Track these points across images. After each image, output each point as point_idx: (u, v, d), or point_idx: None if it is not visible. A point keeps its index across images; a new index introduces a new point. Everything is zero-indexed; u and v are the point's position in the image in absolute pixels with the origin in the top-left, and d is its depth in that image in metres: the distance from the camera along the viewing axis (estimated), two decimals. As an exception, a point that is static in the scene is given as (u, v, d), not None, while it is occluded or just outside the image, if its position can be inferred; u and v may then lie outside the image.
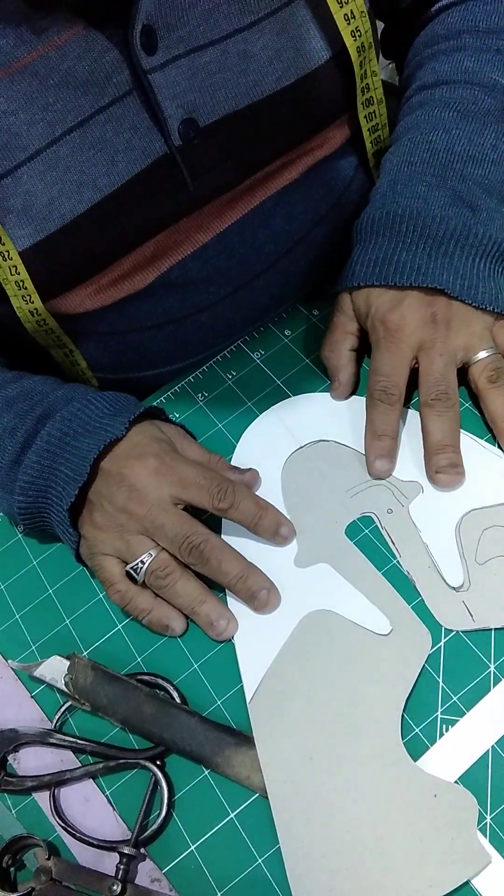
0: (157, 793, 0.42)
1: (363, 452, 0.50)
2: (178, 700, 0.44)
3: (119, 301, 0.53)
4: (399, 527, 0.47)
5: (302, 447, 0.51)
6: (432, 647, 0.43)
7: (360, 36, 0.50)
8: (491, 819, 0.38)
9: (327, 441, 0.51)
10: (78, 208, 0.46)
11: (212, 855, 0.41)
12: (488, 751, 0.40)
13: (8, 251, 0.46)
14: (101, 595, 0.49)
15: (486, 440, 0.48)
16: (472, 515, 0.46)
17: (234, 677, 0.44)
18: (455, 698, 0.41)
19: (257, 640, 0.45)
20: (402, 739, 0.41)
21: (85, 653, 0.47)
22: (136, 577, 0.46)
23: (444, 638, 0.43)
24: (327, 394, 0.53)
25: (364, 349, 0.53)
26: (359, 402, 0.52)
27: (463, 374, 0.49)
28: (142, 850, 0.41)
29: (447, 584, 0.44)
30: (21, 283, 0.48)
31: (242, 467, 0.50)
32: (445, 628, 0.43)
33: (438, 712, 0.41)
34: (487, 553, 0.45)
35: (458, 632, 0.43)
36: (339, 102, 0.53)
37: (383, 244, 0.49)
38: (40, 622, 0.49)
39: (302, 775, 0.40)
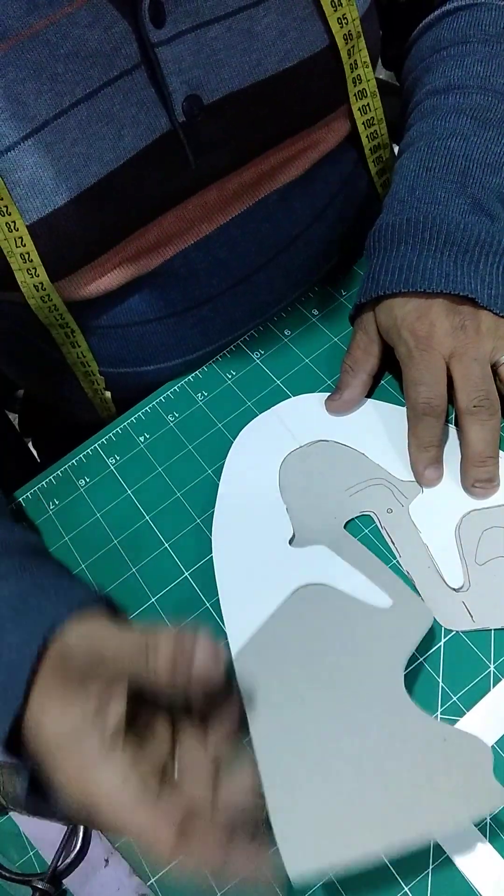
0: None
1: (363, 452, 0.50)
2: None
3: (123, 287, 0.53)
4: (399, 527, 0.47)
5: (301, 447, 0.51)
6: (432, 647, 0.43)
7: (346, 24, 0.49)
8: (491, 819, 0.38)
9: (327, 441, 0.51)
10: (84, 182, 0.46)
11: (211, 855, 0.41)
12: (488, 751, 0.40)
13: (14, 221, 0.46)
14: None
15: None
16: (472, 516, 0.46)
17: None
18: (455, 698, 0.42)
19: (247, 604, 0.44)
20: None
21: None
22: None
23: (444, 638, 0.43)
24: (328, 394, 0.53)
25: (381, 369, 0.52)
26: (360, 402, 0.52)
27: None
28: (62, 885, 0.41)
29: (447, 584, 0.44)
30: (26, 256, 0.47)
31: (233, 478, 0.50)
32: (445, 628, 0.43)
33: (438, 712, 0.41)
34: (487, 554, 0.45)
35: (457, 632, 0.43)
36: (341, 90, 0.53)
37: (406, 251, 0.48)
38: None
39: (292, 717, 0.39)
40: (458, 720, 0.41)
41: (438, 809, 0.36)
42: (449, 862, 0.38)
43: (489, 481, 0.46)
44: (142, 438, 0.56)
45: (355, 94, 0.54)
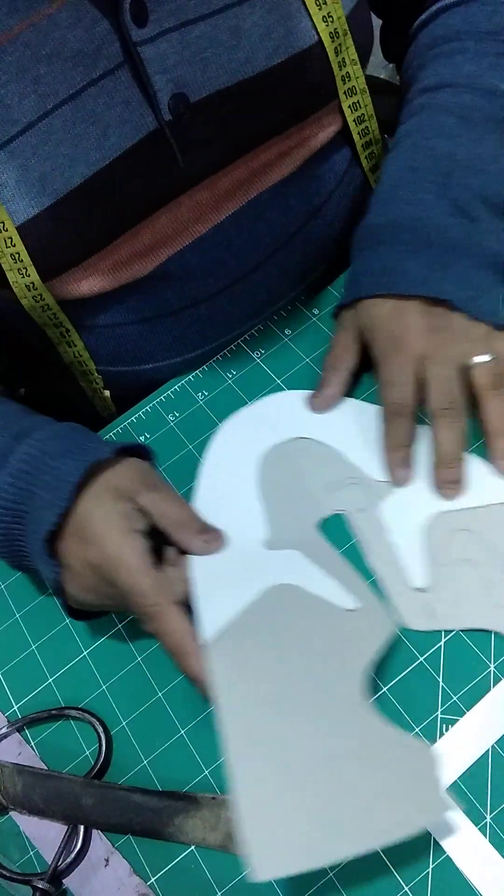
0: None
1: (341, 451, 0.51)
2: (103, 738, 0.44)
3: (118, 289, 0.53)
4: (369, 526, 0.48)
5: (282, 443, 0.52)
6: (432, 648, 0.43)
7: (332, 22, 0.50)
8: (491, 819, 0.38)
9: (307, 439, 0.52)
10: (71, 182, 0.46)
11: (211, 855, 0.41)
12: (488, 750, 0.40)
13: (2, 222, 0.46)
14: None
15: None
16: (440, 518, 0.47)
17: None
18: (455, 698, 0.42)
19: (221, 605, 0.44)
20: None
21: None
22: None
23: (444, 638, 0.43)
24: (310, 391, 0.53)
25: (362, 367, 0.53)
26: (342, 402, 0.53)
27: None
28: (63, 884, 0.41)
29: (412, 583, 0.45)
30: (17, 256, 0.47)
31: (213, 472, 0.51)
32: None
33: (438, 712, 0.41)
34: (451, 555, 0.45)
35: (458, 631, 0.43)
36: (330, 85, 0.53)
37: (386, 253, 0.49)
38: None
39: (263, 718, 0.40)
40: (458, 720, 0.41)
41: (390, 816, 0.37)
42: (449, 862, 0.38)
43: (457, 482, 0.47)
44: (142, 438, 0.56)
45: (345, 92, 0.54)
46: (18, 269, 0.48)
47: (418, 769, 0.38)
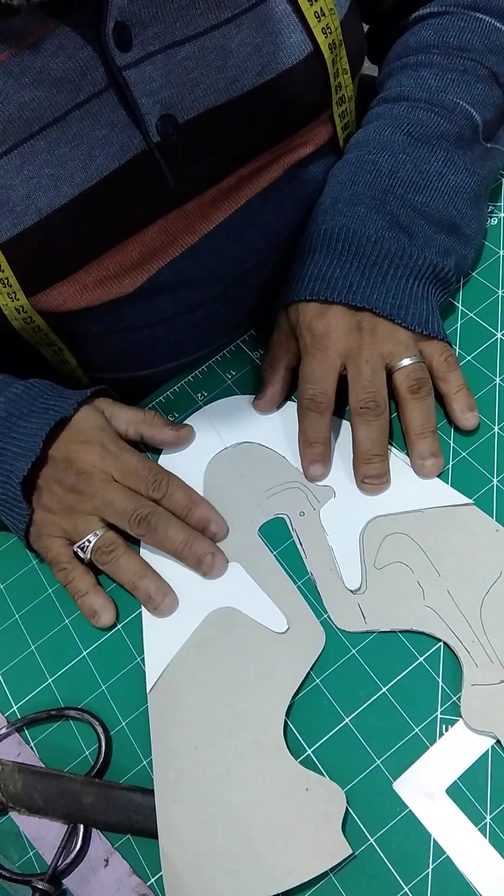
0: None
1: (283, 455, 0.51)
2: (102, 738, 0.44)
3: (108, 302, 0.53)
4: (308, 529, 0.48)
5: (227, 448, 0.52)
6: (432, 648, 0.43)
7: (330, 33, 0.50)
8: (490, 819, 0.38)
9: (251, 443, 0.52)
10: (55, 202, 0.46)
11: (211, 855, 0.41)
12: (488, 751, 0.40)
13: None
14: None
15: (396, 447, 0.50)
16: (377, 522, 0.47)
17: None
18: (455, 698, 0.42)
19: (164, 633, 0.46)
20: (402, 739, 0.41)
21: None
22: (82, 555, 0.48)
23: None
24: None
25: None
26: (284, 405, 0.54)
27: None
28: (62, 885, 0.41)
29: (345, 586, 0.46)
30: (6, 281, 0.48)
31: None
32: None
33: (438, 712, 0.41)
34: (386, 559, 0.46)
35: (457, 632, 0.43)
36: (321, 99, 0.53)
37: (318, 260, 0.50)
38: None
39: (186, 763, 0.42)
40: (457, 720, 0.41)
41: (290, 861, 0.38)
42: (449, 862, 0.38)
43: (377, 477, 0.48)
44: (142, 438, 0.56)
45: (337, 101, 0.54)
46: (8, 294, 0.49)
47: (322, 812, 0.39)
